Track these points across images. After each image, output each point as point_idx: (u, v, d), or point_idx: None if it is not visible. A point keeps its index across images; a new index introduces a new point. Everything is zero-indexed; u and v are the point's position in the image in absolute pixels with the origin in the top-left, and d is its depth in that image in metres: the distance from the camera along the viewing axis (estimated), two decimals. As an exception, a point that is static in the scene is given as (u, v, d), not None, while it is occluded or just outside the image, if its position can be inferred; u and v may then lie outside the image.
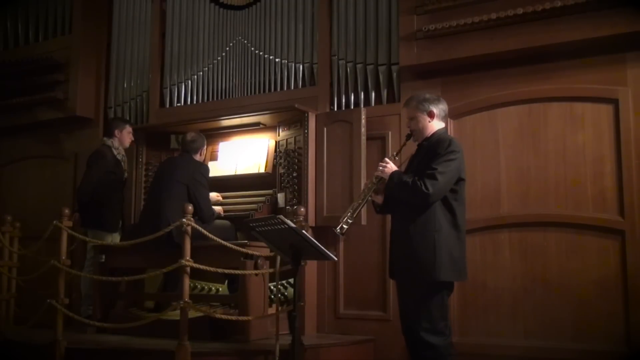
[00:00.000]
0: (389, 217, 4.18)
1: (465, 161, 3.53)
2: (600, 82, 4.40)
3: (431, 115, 3.54)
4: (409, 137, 3.63)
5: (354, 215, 3.51)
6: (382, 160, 3.58)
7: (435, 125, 3.56)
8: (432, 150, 3.44)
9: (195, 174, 4.78)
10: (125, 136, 5.52)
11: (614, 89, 4.36)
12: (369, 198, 3.60)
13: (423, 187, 3.28)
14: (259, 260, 4.37)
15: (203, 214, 4.73)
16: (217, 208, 5.17)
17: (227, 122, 5.60)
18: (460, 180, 3.44)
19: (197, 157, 4.97)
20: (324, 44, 5.49)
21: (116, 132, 5.48)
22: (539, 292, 4.42)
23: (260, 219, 3.67)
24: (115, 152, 5.41)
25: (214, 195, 5.34)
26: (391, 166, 3.51)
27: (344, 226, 3.48)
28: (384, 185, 3.51)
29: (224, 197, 5.46)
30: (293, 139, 5.28)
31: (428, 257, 3.30)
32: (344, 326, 5.03)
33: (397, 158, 3.64)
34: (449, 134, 3.71)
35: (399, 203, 3.48)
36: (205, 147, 5.08)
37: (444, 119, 3.61)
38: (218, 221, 5.02)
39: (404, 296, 3.47)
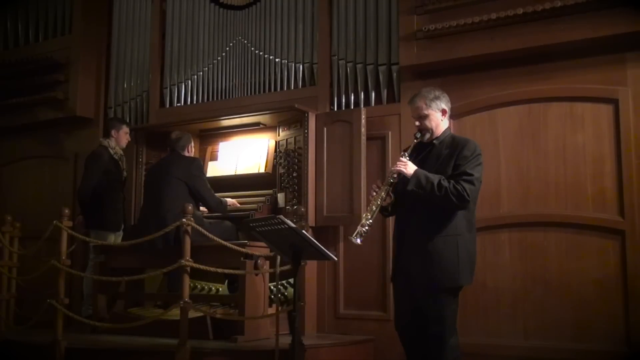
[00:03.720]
0: (389, 218, 4.17)
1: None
2: (600, 82, 4.40)
3: (444, 113, 3.44)
4: (421, 135, 3.42)
5: (371, 221, 3.27)
6: (400, 157, 3.36)
7: (444, 123, 3.46)
8: (454, 152, 3.30)
9: (191, 169, 4.80)
10: (122, 136, 5.54)
11: (614, 89, 4.35)
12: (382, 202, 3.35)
13: (465, 193, 3.16)
14: (259, 260, 4.37)
15: (210, 204, 4.82)
16: (230, 200, 5.24)
17: (227, 122, 5.61)
18: None
19: (186, 154, 4.99)
20: (324, 44, 5.49)
21: (113, 132, 5.51)
22: (539, 292, 4.41)
23: (260, 219, 3.66)
24: (112, 152, 5.42)
25: (233, 202, 5.34)
26: (412, 164, 3.32)
27: (363, 232, 3.23)
28: (400, 186, 3.31)
29: (224, 197, 5.44)
30: (293, 139, 5.28)
31: (452, 262, 3.21)
32: (344, 326, 5.03)
33: (407, 156, 3.39)
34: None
35: (414, 205, 3.30)
36: (191, 144, 5.07)
37: (449, 116, 3.53)
38: (219, 221, 5.02)
39: (420, 302, 3.27)
